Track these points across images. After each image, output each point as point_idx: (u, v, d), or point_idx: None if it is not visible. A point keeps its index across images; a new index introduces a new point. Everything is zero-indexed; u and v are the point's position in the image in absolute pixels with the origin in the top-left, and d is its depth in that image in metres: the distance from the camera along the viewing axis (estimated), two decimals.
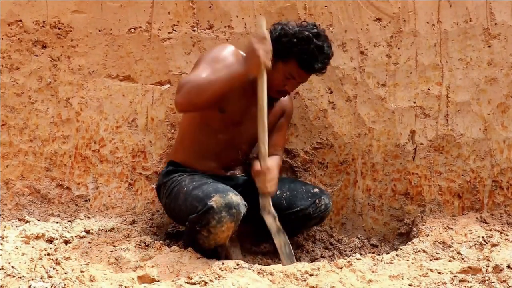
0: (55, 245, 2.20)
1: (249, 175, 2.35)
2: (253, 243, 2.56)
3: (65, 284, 1.75)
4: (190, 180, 2.20)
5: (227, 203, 1.98)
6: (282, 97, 2.39)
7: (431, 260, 2.12)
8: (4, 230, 2.33)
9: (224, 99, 2.17)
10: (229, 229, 2.02)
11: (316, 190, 2.41)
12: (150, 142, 2.73)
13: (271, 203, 2.18)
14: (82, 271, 1.90)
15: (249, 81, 2.19)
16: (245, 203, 2.06)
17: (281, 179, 2.44)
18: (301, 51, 2.16)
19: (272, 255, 2.53)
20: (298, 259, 2.51)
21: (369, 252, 2.53)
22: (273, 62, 2.13)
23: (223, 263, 1.95)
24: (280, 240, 2.18)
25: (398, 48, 2.66)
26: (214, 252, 2.08)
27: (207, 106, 2.16)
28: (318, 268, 1.97)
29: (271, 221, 2.16)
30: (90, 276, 1.85)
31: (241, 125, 2.32)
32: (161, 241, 2.19)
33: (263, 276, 1.91)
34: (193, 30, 2.72)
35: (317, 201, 2.36)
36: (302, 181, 2.59)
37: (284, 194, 2.38)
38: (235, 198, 2.02)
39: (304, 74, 2.25)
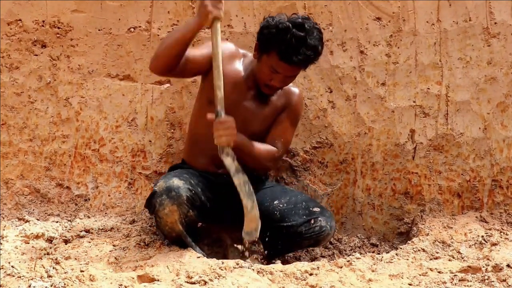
0: (55, 245, 2.20)
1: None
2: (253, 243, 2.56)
3: (65, 284, 1.75)
4: (167, 173, 2.31)
5: (168, 186, 2.04)
6: (288, 94, 2.36)
7: (431, 259, 2.13)
8: (4, 229, 2.33)
9: (213, 90, 2.14)
10: (172, 212, 2.05)
11: (316, 209, 2.26)
12: (150, 141, 2.73)
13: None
14: (82, 271, 1.90)
15: (241, 76, 2.27)
16: (190, 187, 2.09)
17: (286, 190, 2.42)
18: (279, 42, 2.10)
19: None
20: (298, 259, 2.51)
21: (369, 252, 2.53)
22: (258, 55, 2.18)
23: (223, 263, 1.95)
24: (239, 179, 2.08)
25: (398, 48, 2.66)
26: (179, 242, 2.12)
27: (170, 62, 2.12)
28: (318, 267, 1.97)
29: (230, 161, 2.09)
30: (90, 275, 1.85)
31: (237, 122, 2.25)
32: (160, 241, 2.19)
33: (263, 275, 1.91)
34: None
35: (312, 221, 2.21)
36: (309, 197, 2.46)
37: (281, 205, 2.28)
38: (177, 182, 2.07)
39: (287, 67, 2.14)
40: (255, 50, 2.23)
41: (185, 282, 1.79)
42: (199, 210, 2.14)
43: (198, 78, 2.45)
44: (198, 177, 2.27)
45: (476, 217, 2.55)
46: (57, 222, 2.51)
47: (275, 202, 2.29)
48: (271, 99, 2.34)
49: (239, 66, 2.33)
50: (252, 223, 2.09)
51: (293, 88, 2.40)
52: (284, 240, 2.26)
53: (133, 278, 1.83)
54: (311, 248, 2.58)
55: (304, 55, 2.11)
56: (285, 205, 2.28)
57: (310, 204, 2.28)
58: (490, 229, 2.40)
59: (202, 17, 2.02)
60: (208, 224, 2.46)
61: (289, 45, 2.09)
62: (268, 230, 2.20)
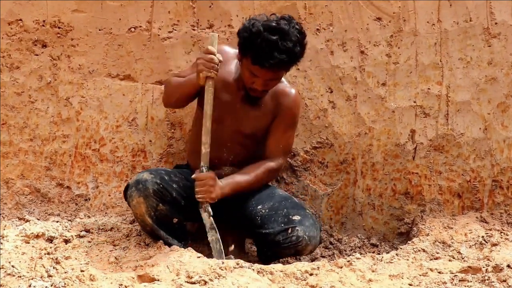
0: (55, 244, 2.20)
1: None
2: (254, 243, 2.56)
3: (65, 283, 1.75)
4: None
5: (137, 179, 2.17)
6: (281, 95, 2.33)
7: (431, 259, 2.12)
8: (4, 229, 2.33)
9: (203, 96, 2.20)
10: (140, 204, 2.15)
11: (296, 217, 2.16)
12: (150, 141, 2.73)
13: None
14: (82, 270, 1.90)
15: (232, 78, 2.30)
16: (159, 181, 2.17)
17: (274, 195, 2.33)
18: (252, 46, 2.07)
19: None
20: (298, 258, 2.51)
21: (369, 252, 2.53)
22: (239, 58, 2.20)
23: (223, 262, 1.95)
24: (212, 236, 2.16)
25: (398, 48, 2.66)
26: (153, 235, 2.22)
27: (181, 105, 2.45)
28: (318, 267, 1.97)
29: (206, 217, 2.16)
30: (90, 275, 1.85)
31: (223, 122, 2.28)
32: (160, 240, 2.19)
33: (263, 275, 1.91)
34: (193, 30, 2.72)
35: (289, 230, 2.12)
36: (295, 203, 2.30)
37: (263, 211, 2.23)
38: (146, 175, 2.18)
39: (262, 71, 2.10)
40: (239, 53, 2.20)
41: (185, 282, 1.79)
42: (171, 205, 2.20)
43: None
44: (180, 176, 2.30)
45: (477, 217, 2.55)
46: (57, 221, 2.51)
47: (258, 207, 2.25)
48: (263, 99, 2.30)
49: (232, 68, 2.33)
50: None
51: (288, 89, 2.33)
52: (265, 247, 2.24)
53: (133, 278, 1.83)
54: None
55: (277, 59, 2.05)
56: (267, 211, 2.23)
57: (291, 212, 2.19)
58: (490, 230, 2.40)
59: (197, 76, 2.16)
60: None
61: (260, 49, 2.06)
62: (251, 236, 2.24)
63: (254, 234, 2.27)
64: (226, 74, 2.29)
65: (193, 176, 2.18)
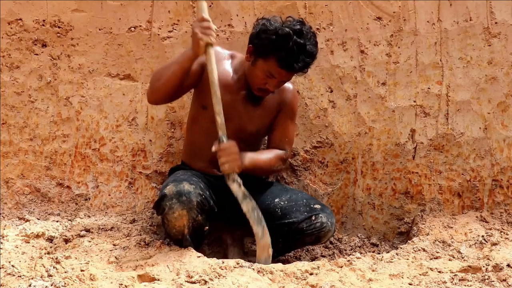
0: (55, 244, 2.20)
1: (243, 175, 2.33)
2: (254, 242, 2.56)
3: (65, 283, 1.75)
4: (174, 175, 2.28)
5: (178, 190, 2.04)
6: (283, 91, 2.35)
7: (431, 259, 2.13)
8: (4, 229, 2.33)
9: (206, 96, 2.18)
10: (182, 216, 2.04)
11: (317, 206, 2.27)
12: (150, 141, 2.73)
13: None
14: (82, 270, 1.90)
15: (231, 78, 2.28)
16: (201, 192, 2.07)
17: (287, 188, 2.44)
18: (280, 49, 2.08)
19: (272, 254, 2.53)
20: (298, 258, 2.51)
21: (369, 251, 2.53)
22: (253, 59, 2.17)
23: (223, 262, 1.95)
24: (248, 205, 2.10)
25: (398, 47, 2.66)
26: (179, 242, 2.12)
27: (172, 93, 2.23)
28: (318, 267, 1.97)
29: (237, 188, 2.10)
30: (90, 275, 1.85)
31: (227, 123, 2.23)
32: (161, 240, 2.19)
33: (263, 275, 1.91)
34: None
35: (313, 217, 2.21)
36: (309, 195, 2.49)
37: (282, 203, 2.29)
38: (188, 186, 2.06)
39: (284, 73, 2.15)
40: (248, 53, 2.20)
41: (185, 281, 1.79)
42: (207, 214, 2.12)
43: None
44: (204, 180, 2.28)
45: (477, 216, 2.55)
46: (57, 221, 2.51)
47: (275, 200, 2.29)
48: (265, 98, 2.32)
49: (228, 67, 2.32)
50: (264, 251, 2.11)
51: (287, 84, 2.36)
52: (286, 237, 2.26)
53: (134, 278, 1.83)
54: (311, 248, 2.58)
55: (303, 62, 2.12)
56: (286, 202, 2.29)
57: (310, 202, 2.29)
58: (490, 229, 2.40)
59: (195, 46, 2.08)
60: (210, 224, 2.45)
61: (290, 52, 2.08)
62: (270, 229, 2.18)
63: (274, 227, 2.21)
64: (223, 74, 2.27)
65: (213, 148, 2.11)
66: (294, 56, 2.09)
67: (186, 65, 2.15)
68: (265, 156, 2.30)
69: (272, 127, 2.38)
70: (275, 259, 2.22)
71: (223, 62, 2.31)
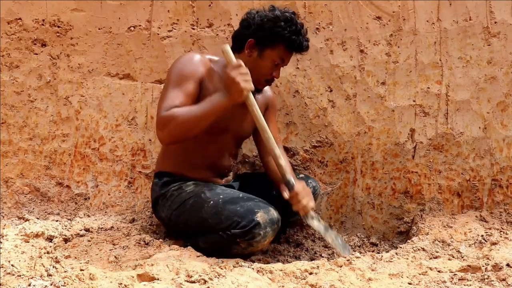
0: (54, 244, 2.20)
1: (240, 179, 2.45)
2: None
3: (64, 283, 1.75)
4: (208, 191, 2.17)
5: (271, 219, 2.03)
6: (266, 89, 2.40)
7: (430, 258, 2.12)
8: (3, 228, 2.33)
9: None
10: (269, 241, 2.09)
11: (302, 175, 2.47)
12: (150, 140, 2.73)
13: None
14: (81, 270, 1.90)
15: (221, 82, 2.19)
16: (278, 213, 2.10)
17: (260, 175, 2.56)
18: (289, 33, 2.14)
19: (272, 254, 2.53)
20: (298, 257, 2.51)
21: (369, 251, 2.53)
22: (258, 51, 2.18)
23: (222, 262, 1.95)
24: (331, 236, 2.20)
25: (398, 47, 2.66)
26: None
27: (192, 136, 2.13)
28: (318, 266, 1.97)
29: (317, 224, 2.17)
30: (90, 274, 1.84)
31: (229, 131, 2.28)
32: (160, 240, 2.18)
33: (263, 274, 1.91)
34: (193, 29, 2.72)
35: (307, 183, 2.34)
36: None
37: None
38: (276, 214, 2.06)
39: (290, 56, 2.25)
40: (249, 48, 2.18)
41: (185, 281, 1.79)
42: None
43: None
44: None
45: (476, 216, 2.55)
46: (57, 221, 2.51)
47: (265, 184, 2.38)
48: (256, 98, 2.27)
49: (219, 72, 2.22)
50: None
51: None
52: (285, 207, 2.28)
53: (133, 277, 1.83)
54: (310, 247, 2.59)
55: (306, 40, 2.23)
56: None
57: (295, 174, 2.35)
58: (490, 229, 2.40)
59: (236, 95, 2.00)
60: None
61: (297, 34, 2.16)
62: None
63: (271, 199, 2.26)
64: (221, 83, 2.20)
65: (286, 196, 2.13)
66: (300, 36, 2.17)
67: (220, 114, 2.05)
68: (286, 159, 2.36)
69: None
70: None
71: (208, 68, 2.21)
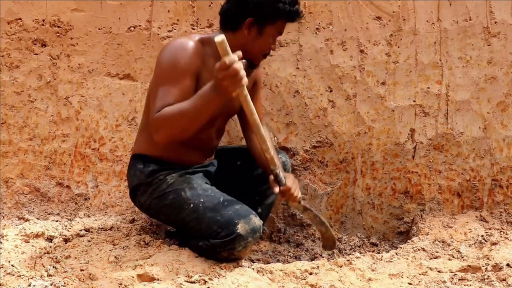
0: (54, 244, 2.20)
1: (219, 159, 2.38)
2: None
3: (65, 283, 1.75)
4: (189, 189, 2.10)
5: (252, 228, 1.97)
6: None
7: (430, 258, 2.13)
8: (4, 228, 2.33)
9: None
10: (251, 249, 2.11)
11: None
12: None
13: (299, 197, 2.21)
14: (82, 270, 1.90)
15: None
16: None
17: (241, 148, 2.53)
18: (289, 5, 2.09)
19: (272, 254, 2.54)
20: (298, 258, 2.51)
21: (369, 251, 2.53)
22: (258, 29, 2.10)
23: (222, 262, 1.95)
24: (309, 215, 2.27)
25: (398, 47, 2.66)
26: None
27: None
28: (318, 266, 1.97)
29: (296, 204, 2.22)
30: (90, 274, 1.85)
31: (224, 112, 2.23)
32: (160, 240, 2.19)
33: (263, 274, 1.91)
34: (193, 29, 2.72)
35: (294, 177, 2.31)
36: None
37: (255, 172, 2.38)
38: (257, 221, 2.00)
39: (284, 25, 2.18)
40: (249, 27, 2.09)
41: (185, 281, 1.79)
42: None
43: None
44: (207, 177, 2.25)
45: (476, 216, 2.55)
46: (57, 221, 2.51)
47: (238, 163, 2.41)
48: (250, 73, 2.22)
49: (212, 56, 2.09)
50: (329, 241, 2.34)
51: None
52: (262, 195, 2.39)
53: (133, 277, 1.83)
54: (310, 247, 2.59)
55: (299, 5, 2.17)
56: (256, 171, 2.37)
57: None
58: (490, 229, 2.40)
59: (227, 94, 1.83)
60: None
61: (295, 3, 2.12)
62: (253, 196, 2.31)
63: (247, 184, 2.36)
64: (208, 61, 2.09)
65: (276, 190, 2.10)
66: (297, 5, 2.14)
67: (215, 110, 1.93)
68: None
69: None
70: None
71: (202, 51, 2.09)
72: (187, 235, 2.14)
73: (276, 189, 2.09)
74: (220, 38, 1.72)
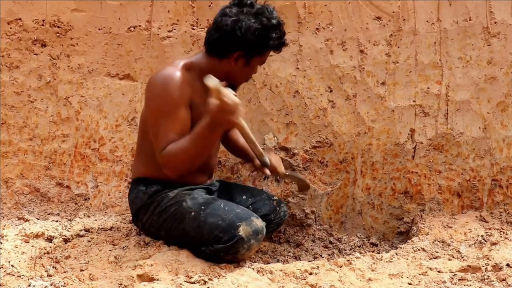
0: (54, 244, 2.20)
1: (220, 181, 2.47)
2: None
3: (64, 283, 1.75)
4: (190, 199, 2.11)
5: (254, 230, 1.98)
6: None
7: (430, 258, 2.13)
8: (3, 229, 2.33)
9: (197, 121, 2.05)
10: (255, 250, 2.10)
11: (275, 197, 2.48)
12: None
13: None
14: (81, 270, 1.90)
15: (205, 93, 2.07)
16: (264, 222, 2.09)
17: (243, 186, 2.62)
18: (278, 39, 2.10)
19: (272, 254, 2.54)
20: (298, 258, 2.51)
21: (369, 251, 2.53)
22: (246, 61, 2.09)
23: (222, 262, 1.95)
24: (289, 178, 2.52)
25: (398, 47, 2.66)
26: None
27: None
28: (318, 266, 1.97)
29: (288, 173, 2.41)
30: (90, 274, 1.85)
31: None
32: (161, 240, 2.19)
33: (263, 274, 1.91)
34: (193, 29, 2.72)
35: (278, 208, 2.42)
36: (261, 189, 2.68)
37: (250, 199, 2.40)
38: (259, 222, 2.02)
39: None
40: (235, 60, 2.08)
41: (185, 281, 1.79)
42: None
43: None
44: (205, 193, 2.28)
45: (476, 216, 2.55)
46: (57, 221, 2.51)
47: (243, 197, 2.41)
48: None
49: (199, 83, 2.07)
50: (304, 186, 2.53)
51: None
52: None
53: (133, 277, 1.83)
54: (310, 247, 2.59)
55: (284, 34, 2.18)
56: (253, 198, 2.41)
57: (268, 195, 2.50)
58: (490, 229, 2.40)
59: (228, 127, 2.07)
60: None
61: (283, 35, 2.13)
62: None
63: None
64: (203, 92, 2.03)
65: (268, 172, 2.23)
66: (285, 36, 2.14)
67: (215, 144, 2.15)
68: None
69: None
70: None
71: (192, 78, 2.09)
72: (189, 246, 2.09)
73: (267, 171, 2.22)
74: (213, 83, 1.81)
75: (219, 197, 2.25)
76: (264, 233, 2.03)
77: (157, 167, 2.09)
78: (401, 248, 2.25)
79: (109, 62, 2.75)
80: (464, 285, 1.83)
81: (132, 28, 2.73)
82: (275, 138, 2.71)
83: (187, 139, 1.95)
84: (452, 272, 1.94)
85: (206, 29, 2.70)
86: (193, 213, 2.05)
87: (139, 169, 2.23)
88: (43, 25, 2.75)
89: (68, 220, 2.55)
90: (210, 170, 2.35)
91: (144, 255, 2.04)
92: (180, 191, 2.15)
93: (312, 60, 2.69)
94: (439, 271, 1.97)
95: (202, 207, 2.06)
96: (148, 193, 2.16)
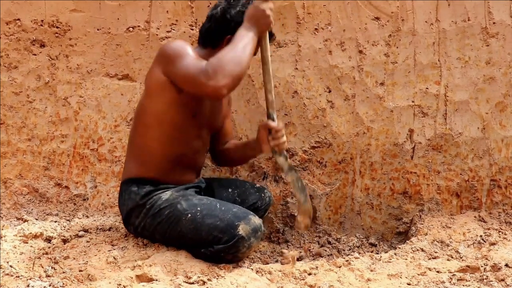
0: (53, 244, 2.20)
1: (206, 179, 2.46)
2: None
3: (63, 283, 1.75)
4: (184, 201, 2.09)
5: (253, 228, 2.00)
6: None
7: (429, 259, 2.13)
8: (2, 229, 2.33)
9: (196, 103, 2.11)
10: (255, 248, 2.14)
11: (258, 185, 2.54)
12: None
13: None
14: (80, 270, 1.90)
15: None
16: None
17: (228, 179, 2.67)
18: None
19: (271, 254, 2.54)
20: (297, 258, 2.51)
21: (368, 251, 2.53)
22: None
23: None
24: (293, 176, 2.22)
25: (397, 47, 2.66)
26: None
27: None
28: (317, 267, 1.98)
29: (283, 160, 2.21)
30: (89, 275, 1.85)
31: (207, 126, 2.25)
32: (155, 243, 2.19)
33: (262, 275, 1.91)
34: (192, 29, 2.72)
35: (263, 195, 2.46)
36: (243, 180, 2.70)
37: (236, 191, 2.44)
38: (257, 220, 2.03)
39: None
40: (228, 43, 2.04)
41: (184, 282, 1.79)
42: None
43: None
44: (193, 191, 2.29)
45: (475, 216, 2.55)
46: (55, 221, 2.51)
47: (229, 190, 2.43)
48: None
49: None
50: (305, 215, 2.25)
51: None
52: None
53: (132, 278, 1.83)
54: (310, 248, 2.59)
55: None
56: (238, 190, 2.45)
57: (251, 183, 2.55)
58: (488, 229, 2.40)
59: (264, 27, 2.05)
60: None
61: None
62: None
63: None
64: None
65: (272, 125, 2.16)
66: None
67: (254, 49, 2.05)
68: None
69: (225, 119, 2.45)
70: None
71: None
72: (187, 248, 2.09)
73: (271, 123, 2.16)
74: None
75: (206, 195, 2.25)
76: (263, 230, 2.04)
77: (149, 166, 2.13)
78: (400, 248, 2.25)
79: (108, 63, 2.74)
80: (463, 285, 1.83)
81: (131, 29, 2.73)
82: None
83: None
84: (451, 272, 1.95)
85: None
86: (189, 215, 2.04)
87: (131, 170, 2.19)
88: (41, 25, 2.75)
89: (67, 220, 2.55)
90: (198, 168, 2.35)
91: (142, 256, 2.04)
92: (173, 192, 2.14)
93: (311, 60, 2.69)
94: (438, 271, 1.97)
95: (198, 208, 2.06)
96: (140, 194, 2.12)
